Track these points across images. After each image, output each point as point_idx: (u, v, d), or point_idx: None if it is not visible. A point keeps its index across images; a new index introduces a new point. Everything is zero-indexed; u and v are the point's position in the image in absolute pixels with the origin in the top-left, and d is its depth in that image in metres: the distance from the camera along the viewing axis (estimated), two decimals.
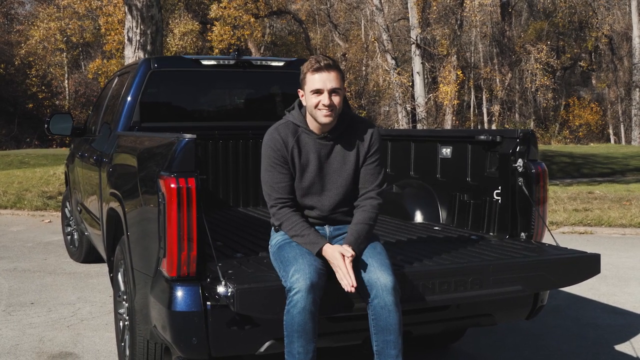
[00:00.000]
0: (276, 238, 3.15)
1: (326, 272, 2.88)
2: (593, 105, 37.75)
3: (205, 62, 5.29)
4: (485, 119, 36.00)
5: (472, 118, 37.10)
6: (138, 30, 11.00)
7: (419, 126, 23.58)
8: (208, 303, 2.89)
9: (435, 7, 25.05)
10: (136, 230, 3.46)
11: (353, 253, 2.90)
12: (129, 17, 11.15)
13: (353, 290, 2.80)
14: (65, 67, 34.94)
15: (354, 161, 3.18)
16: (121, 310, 3.86)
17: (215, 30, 25.33)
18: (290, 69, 5.45)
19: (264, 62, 5.55)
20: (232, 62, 5.30)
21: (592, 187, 14.29)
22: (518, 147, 3.71)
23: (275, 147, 3.13)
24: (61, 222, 7.85)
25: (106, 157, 4.56)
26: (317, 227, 3.15)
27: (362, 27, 35.41)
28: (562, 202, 11.19)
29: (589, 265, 3.36)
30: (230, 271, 2.98)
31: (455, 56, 27.59)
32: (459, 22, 26.86)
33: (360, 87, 36.29)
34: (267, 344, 3.00)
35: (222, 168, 5.36)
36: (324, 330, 2.97)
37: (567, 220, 9.55)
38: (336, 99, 3.06)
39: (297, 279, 2.76)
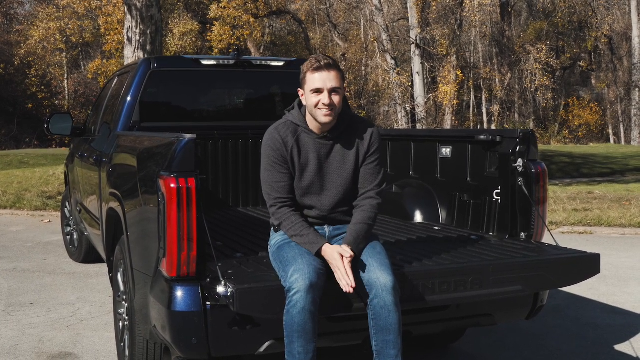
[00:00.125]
0: (276, 238, 3.14)
1: (326, 272, 2.88)
2: (592, 105, 37.76)
3: (205, 62, 5.29)
4: (485, 119, 36.00)
5: (471, 118, 37.10)
6: (138, 30, 11.00)
7: (418, 126, 23.58)
8: (208, 303, 2.89)
9: (434, 7, 25.03)
10: (136, 230, 3.46)
11: (352, 254, 2.90)
12: (128, 17, 11.15)
13: (352, 290, 2.80)
14: (65, 67, 34.93)
15: (354, 161, 3.18)
16: (121, 311, 3.86)
17: (215, 30, 25.32)
18: (290, 68, 5.45)
19: (263, 62, 5.55)
20: (231, 62, 5.30)
21: (591, 187, 14.29)
22: (518, 147, 3.71)
23: (274, 147, 3.13)
24: (61, 222, 7.85)
25: (106, 157, 4.56)
26: (316, 227, 3.15)
27: (362, 27, 35.40)
28: (562, 202, 11.19)
29: (588, 265, 3.36)
30: (230, 271, 2.98)
31: (454, 56, 27.57)
32: (458, 22, 26.85)
33: (360, 87, 36.29)
34: (266, 344, 3.00)
35: (222, 168, 5.36)
36: (324, 330, 2.97)
37: (567, 220, 9.56)
38: (336, 99, 3.06)
39: (297, 279, 2.76)
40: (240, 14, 25.04)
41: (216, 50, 25.64)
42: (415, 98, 24.51)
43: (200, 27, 27.70)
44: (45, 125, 6.20)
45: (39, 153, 21.32)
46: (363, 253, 2.99)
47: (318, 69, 3.04)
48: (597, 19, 32.09)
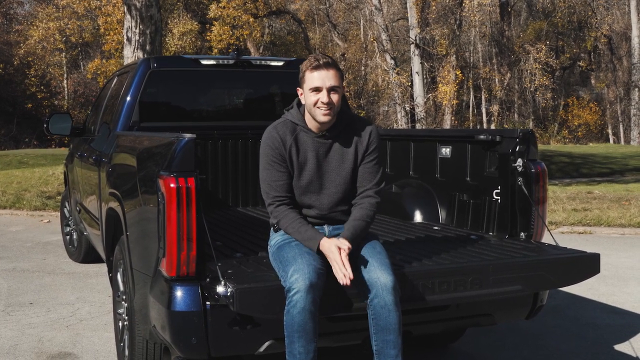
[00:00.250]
0: (275, 238, 3.14)
1: (325, 272, 2.87)
2: (592, 105, 37.77)
3: (204, 62, 5.29)
4: (485, 118, 36.00)
5: (471, 118, 37.10)
6: (137, 30, 11.00)
7: (418, 126, 23.58)
8: (207, 303, 2.88)
9: (434, 7, 25.04)
10: (135, 230, 3.46)
11: (349, 245, 2.90)
12: (128, 17, 11.15)
13: (349, 283, 2.79)
14: (64, 67, 34.92)
15: (352, 160, 3.18)
16: (120, 310, 3.86)
17: (215, 30, 25.32)
18: (289, 68, 5.45)
19: (263, 62, 5.54)
20: (231, 61, 5.29)
21: (591, 187, 14.30)
22: (517, 147, 3.71)
23: (273, 145, 3.13)
24: (60, 222, 7.85)
25: (105, 157, 4.56)
26: (316, 227, 3.14)
27: (361, 27, 35.40)
28: (561, 202, 11.19)
29: (588, 265, 3.36)
30: (229, 271, 2.98)
31: (454, 56, 27.57)
32: (458, 22, 26.84)
33: (359, 87, 36.29)
34: (266, 343, 3.00)
35: (222, 168, 5.36)
36: (324, 330, 2.97)
37: (566, 220, 9.56)
38: (335, 97, 3.06)
39: (297, 279, 2.76)
40: (239, 14, 25.05)
41: (216, 50, 25.64)
42: (414, 98, 24.52)
43: (200, 27, 27.70)
44: (45, 125, 6.20)
45: (39, 153, 21.31)
46: (363, 253, 2.98)
47: (317, 67, 3.05)
48: (596, 18, 32.10)
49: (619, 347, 4.48)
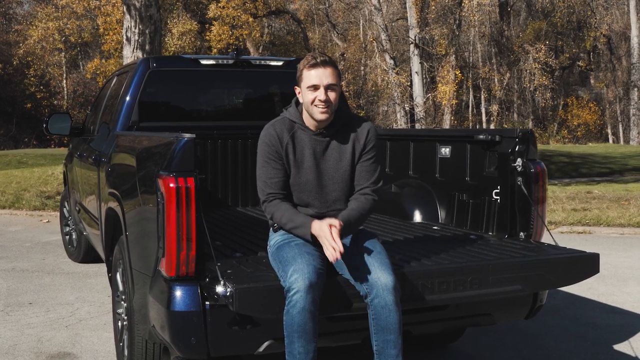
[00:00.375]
0: (275, 238, 3.14)
1: (325, 271, 2.87)
2: (591, 105, 37.78)
3: (204, 62, 5.29)
4: (484, 118, 36.00)
5: (470, 118, 37.10)
6: (136, 30, 10.99)
7: (417, 126, 23.58)
8: (207, 303, 2.88)
9: (433, 7, 25.04)
10: (135, 230, 3.46)
11: (341, 222, 2.90)
12: (127, 16, 11.14)
13: (339, 256, 2.78)
14: (64, 67, 34.91)
15: (350, 158, 3.18)
16: (120, 310, 3.85)
17: (214, 30, 25.31)
18: (289, 68, 5.44)
19: (262, 62, 5.54)
20: (231, 61, 5.29)
21: (590, 186, 14.30)
22: (517, 147, 3.71)
23: (269, 143, 3.13)
24: (59, 222, 7.84)
25: (105, 156, 4.56)
26: None
27: (361, 26, 35.40)
28: (561, 202, 11.20)
29: (587, 264, 3.36)
30: (229, 271, 2.97)
31: (453, 56, 27.57)
32: (457, 21, 26.84)
33: (359, 87, 36.29)
34: (266, 343, 3.00)
35: (221, 168, 5.36)
36: (324, 330, 2.97)
37: (566, 219, 9.56)
38: (332, 95, 3.06)
39: (296, 279, 2.75)
40: (239, 14, 25.04)
41: (215, 50, 25.64)
42: (414, 98, 24.52)
43: (199, 27, 27.69)
44: (44, 125, 6.20)
45: (38, 153, 21.31)
46: (363, 253, 2.98)
47: (314, 65, 3.05)
48: (595, 18, 32.11)
49: (618, 347, 4.49)
